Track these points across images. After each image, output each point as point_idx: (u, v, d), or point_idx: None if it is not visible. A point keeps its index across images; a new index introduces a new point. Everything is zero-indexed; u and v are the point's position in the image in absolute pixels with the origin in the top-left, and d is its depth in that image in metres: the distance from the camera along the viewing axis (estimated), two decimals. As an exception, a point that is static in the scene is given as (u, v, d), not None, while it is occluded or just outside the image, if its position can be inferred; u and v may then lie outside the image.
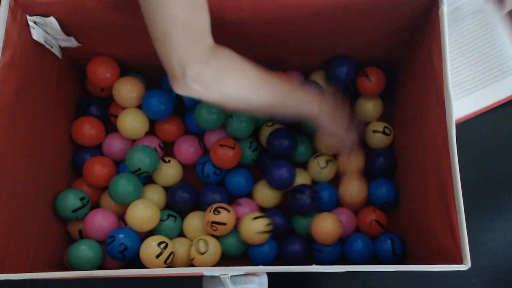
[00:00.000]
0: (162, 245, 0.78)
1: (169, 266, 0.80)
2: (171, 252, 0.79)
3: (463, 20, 0.94)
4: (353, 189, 0.85)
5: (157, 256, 0.77)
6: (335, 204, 0.87)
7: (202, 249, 0.78)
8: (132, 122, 0.86)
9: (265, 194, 0.86)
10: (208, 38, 0.61)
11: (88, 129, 0.87)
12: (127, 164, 0.84)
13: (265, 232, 0.80)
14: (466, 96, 0.93)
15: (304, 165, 0.90)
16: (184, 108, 0.90)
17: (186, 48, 0.59)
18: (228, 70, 0.64)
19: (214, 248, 0.80)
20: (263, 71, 0.69)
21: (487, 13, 0.94)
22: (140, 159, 0.82)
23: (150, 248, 0.78)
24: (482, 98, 0.93)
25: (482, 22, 0.94)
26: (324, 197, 0.85)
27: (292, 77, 0.91)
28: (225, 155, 0.84)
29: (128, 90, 0.86)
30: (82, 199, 0.81)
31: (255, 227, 0.80)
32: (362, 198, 0.86)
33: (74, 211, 0.80)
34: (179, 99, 0.87)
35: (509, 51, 0.92)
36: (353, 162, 0.86)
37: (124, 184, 0.81)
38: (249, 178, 0.87)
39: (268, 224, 0.80)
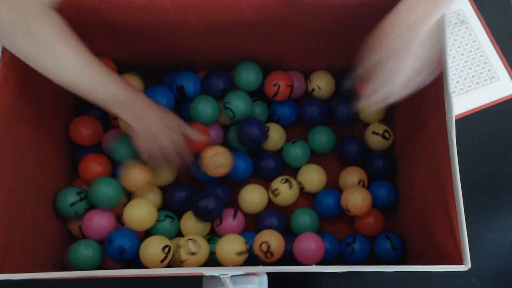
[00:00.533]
0: (166, 250, 0.77)
1: (169, 266, 0.80)
2: (173, 253, 0.79)
3: (448, 29, 0.99)
4: (356, 199, 0.83)
5: (162, 261, 0.77)
6: (338, 211, 0.87)
7: (194, 249, 0.78)
8: None
9: (251, 200, 0.86)
10: None
11: (85, 129, 0.86)
12: (113, 153, 0.84)
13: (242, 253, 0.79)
14: (456, 97, 0.96)
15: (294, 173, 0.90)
16: (184, 102, 0.90)
17: None
18: (44, 32, 0.60)
19: (203, 247, 0.79)
20: (92, 57, 0.66)
21: (470, 25, 0.99)
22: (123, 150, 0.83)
23: (154, 252, 0.77)
24: (471, 99, 0.96)
25: (467, 32, 0.99)
26: (329, 203, 0.86)
27: (293, 77, 0.91)
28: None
29: None
30: (79, 193, 0.81)
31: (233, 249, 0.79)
32: (367, 208, 0.84)
33: (71, 204, 0.80)
34: (180, 92, 0.88)
35: (493, 60, 0.97)
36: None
37: (104, 189, 0.81)
38: (248, 162, 0.88)
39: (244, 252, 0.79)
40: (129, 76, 0.88)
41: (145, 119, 0.74)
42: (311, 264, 0.80)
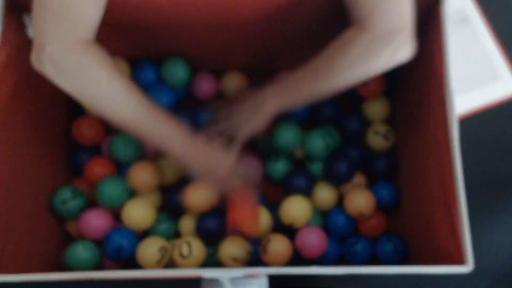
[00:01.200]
0: (162, 251, 0.77)
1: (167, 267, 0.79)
2: (170, 255, 0.79)
3: (450, 28, 0.97)
4: (360, 201, 0.83)
5: (158, 261, 0.77)
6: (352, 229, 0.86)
7: (185, 252, 0.78)
8: None
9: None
10: (83, 30, 0.61)
11: (87, 129, 0.86)
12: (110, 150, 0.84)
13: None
14: (458, 96, 0.94)
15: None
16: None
17: (53, 25, 0.59)
18: (92, 66, 0.62)
19: (197, 251, 0.78)
20: (136, 90, 0.66)
21: (473, 23, 0.98)
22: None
23: (150, 253, 0.77)
24: (474, 99, 0.95)
25: (469, 31, 0.98)
26: (339, 223, 0.85)
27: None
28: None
29: None
30: (73, 190, 0.81)
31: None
32: (374, 205, 0.84)
33: (64, 201, 0.80)
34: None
35: (495, 59, 0.97)
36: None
37: (110, 188, 0.81)
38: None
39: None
40: (116, 60, 0.86)
41: (204, 159, 0.73)
42: (314, 257, 0.80)
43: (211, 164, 0.73)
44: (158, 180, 0.84)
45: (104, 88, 0.63)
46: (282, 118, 0.87)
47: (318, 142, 0.85)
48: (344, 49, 0.65)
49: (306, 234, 0.80)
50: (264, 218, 0.82)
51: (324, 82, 0.68)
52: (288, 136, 0.85)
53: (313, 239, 0.80)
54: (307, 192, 0.85)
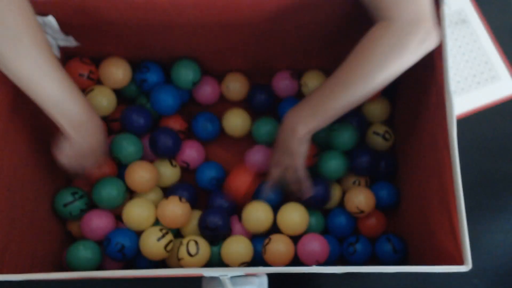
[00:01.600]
0: (164, 230, 0.78)
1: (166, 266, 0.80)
2: (171, 240, 0.79)
3: (449, 29, 0.97)
4: (360, 198, 0.83)
5: (159, 239, 0.77)
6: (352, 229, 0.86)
7: (193, 251, 0.78)
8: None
9: (256, 218, 0.82)
10: None
11: None
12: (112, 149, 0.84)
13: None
14: (457, 96, 0.95)
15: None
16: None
17: None
18: (9, 8, 0.57)
19: (203, 250, 0.79)
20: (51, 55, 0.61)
21: (472, 24, 0.99)
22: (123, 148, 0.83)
23: (152, 233, 0.78)
24: (473, 99, 0.95)
25: (468, 32, 0.98)
26: (340, 223, 0.85)
27: (282, 77, 0.91)
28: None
29: (114, 71, 0.85)
30: (74, 193, 0.81)
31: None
32: (374, 203, 0.84)
33: (65, 205, 0.80)
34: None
35: (494, 59, 0.97)
36: None
37: (107, 190, 0.81)
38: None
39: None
40: (115, 58, 0.86)
41: (88, 137, 0.70)
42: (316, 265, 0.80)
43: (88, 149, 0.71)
44: (156, 180, 0.84)
45: (19, 47, 0.58)
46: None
47: (347, 135, 0.85)
48: (373, 46, 0.63)
49: (308, 242, 0.81)
50: (269, 216, 0.82)
51: (358, 87, 0.65)
52: (332, 165, 0.85)
53: (315, 247, 0.80)
54: (324, 201, 0.84)
